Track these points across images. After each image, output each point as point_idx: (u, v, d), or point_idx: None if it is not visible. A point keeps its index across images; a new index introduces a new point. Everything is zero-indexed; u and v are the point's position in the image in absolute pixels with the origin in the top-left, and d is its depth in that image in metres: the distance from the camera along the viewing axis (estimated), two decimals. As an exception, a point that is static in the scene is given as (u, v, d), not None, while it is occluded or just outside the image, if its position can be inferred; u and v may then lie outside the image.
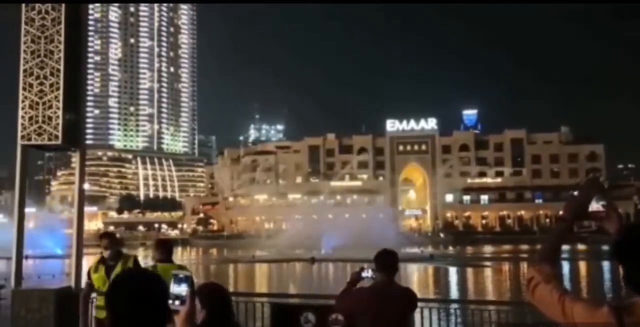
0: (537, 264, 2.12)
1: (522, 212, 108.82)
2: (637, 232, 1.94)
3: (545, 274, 2.07)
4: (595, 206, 2.16)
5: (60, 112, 8.67)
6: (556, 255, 2.18)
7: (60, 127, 8.67)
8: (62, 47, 8.75)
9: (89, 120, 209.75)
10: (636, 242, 1.89)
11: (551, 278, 2.05)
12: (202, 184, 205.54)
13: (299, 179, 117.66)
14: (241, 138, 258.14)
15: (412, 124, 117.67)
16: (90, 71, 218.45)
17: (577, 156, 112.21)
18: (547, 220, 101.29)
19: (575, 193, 2.24)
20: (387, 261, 5.13)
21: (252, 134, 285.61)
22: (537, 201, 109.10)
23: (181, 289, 2.23)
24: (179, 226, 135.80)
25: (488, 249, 67.21)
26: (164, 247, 6.69)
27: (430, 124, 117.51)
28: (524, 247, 67.65)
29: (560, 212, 2.28)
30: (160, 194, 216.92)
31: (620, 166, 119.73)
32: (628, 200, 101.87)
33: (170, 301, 2.18)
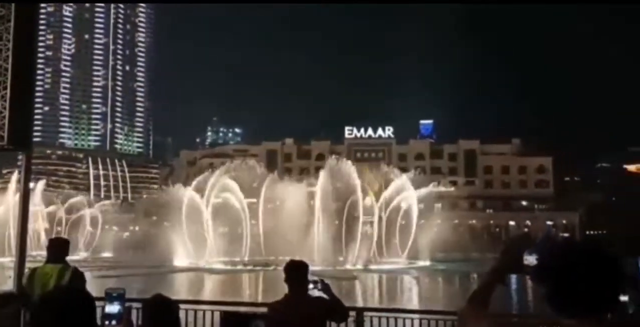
0: (471, 304, 2.32)
1: (474, 221, 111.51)
2: (554, 257, 2.07)
3: (477, 314, 2.26)
4: (530, 259, 2.30)
5: (6, 113, 8.38)
6: (487, 300, 2.36)
7: (6, 128, 8.37)
8: (10, 45, 8.47)
9: (37, 117, 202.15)
10: (554, 266, 2.02)
11: (482, 319, 2.25)
12: (155, 186, 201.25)
13: (255, 184, 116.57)
14: (198, 140, 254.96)
15: (370, 131, 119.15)
16: (40, 66, 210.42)
17: (526, 168, 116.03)
18: (497, 229, 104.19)
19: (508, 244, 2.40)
20: (296, 273, 5.18)
21: (210, 136, 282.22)
22: (487, 210, 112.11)
23: (113, 308, 2.18)
24: (131, 228, 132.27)
25: (439, 256, 68.52)
26: (54, 247, 6.57)
27: (387, 132, 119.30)
28: (475, 254, 69.25)
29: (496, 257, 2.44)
30: (112, 195, 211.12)
31: (567, 179, 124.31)
32: (574, 211, 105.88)
33: (107, 322, 2.13)
